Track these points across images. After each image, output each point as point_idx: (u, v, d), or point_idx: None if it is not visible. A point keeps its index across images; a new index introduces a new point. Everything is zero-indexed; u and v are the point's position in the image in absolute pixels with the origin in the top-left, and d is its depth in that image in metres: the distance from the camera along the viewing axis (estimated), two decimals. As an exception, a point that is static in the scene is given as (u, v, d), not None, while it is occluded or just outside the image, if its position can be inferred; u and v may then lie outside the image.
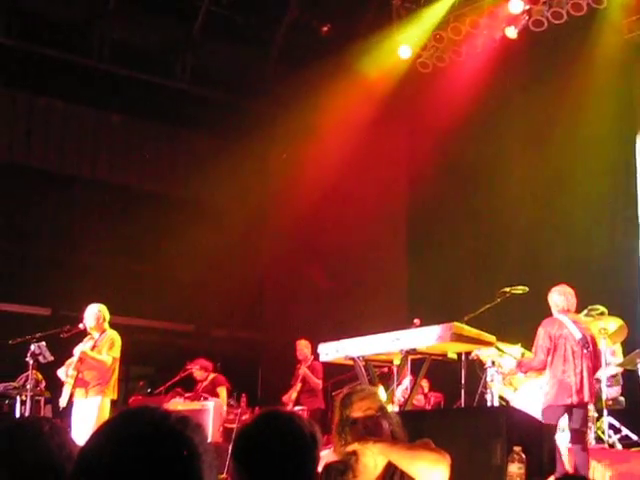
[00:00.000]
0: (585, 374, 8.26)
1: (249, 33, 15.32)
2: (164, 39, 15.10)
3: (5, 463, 2.43)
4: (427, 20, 13.29)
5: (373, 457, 4.45)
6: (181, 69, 15.29)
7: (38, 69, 14.16)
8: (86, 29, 14.42)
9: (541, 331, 8.34)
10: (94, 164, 15.07)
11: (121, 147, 15.33)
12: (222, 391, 12.65)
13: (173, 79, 15.27)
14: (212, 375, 12.86)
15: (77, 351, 9.69)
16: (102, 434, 1.68)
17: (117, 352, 9.75)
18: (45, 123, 14.68)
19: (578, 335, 8.31)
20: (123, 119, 15.31)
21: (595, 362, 8.52)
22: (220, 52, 15.45)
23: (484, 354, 9.32)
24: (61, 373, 9.74)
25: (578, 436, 8.26)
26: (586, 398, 8.30)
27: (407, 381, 10.90)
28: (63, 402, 9.64)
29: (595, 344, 8.55)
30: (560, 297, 8.56)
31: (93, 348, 9.66)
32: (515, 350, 9.33)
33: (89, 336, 9.83)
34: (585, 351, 8.30)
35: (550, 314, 8.61)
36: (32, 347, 9.70)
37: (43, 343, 9.83)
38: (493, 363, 9.73)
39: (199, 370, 12.86)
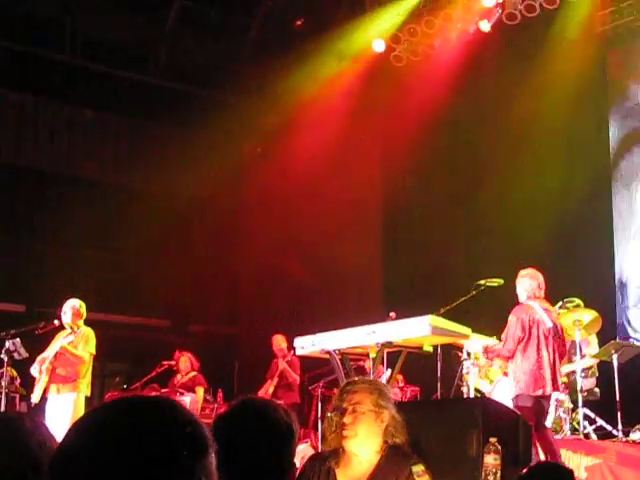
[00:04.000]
0: (557, 364, 8.31)
1: (222, 27, 15.27)
2: (137, 34, 15.01)
3: None
4: (401, 14, 13.30)
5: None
6: (154, 63, 15.23)
7: (10, 65, 14.04)
8: (59, 24, 14.31)
9: (513, 318, 8.31)
10: (67, 159, 14.98)
11: (94, 142, 15.24)
12: (200, 390, 12.65)
13: (146, 74, 15.21)
14: (193, 373, 12.86)
15: (55, 345, 9.62)
16: (82, 428, 1.64)
17: (93, 348, 9.71)
18: (17, 118, 14.57)
19: (549, 323, 8.32)
20: (96, 114, 15.22)
21: (562, 350, 8.55)
22: (193, 46, 15.39)
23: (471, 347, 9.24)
24: (34, 370, 9.67)
25: (544, 423, 8.30)
26: (556, 388, 8.37)
27: (385, 377, 10.93)
28: (36, 398, 9.58)
29: (563, 333, 8.58)
30: (532, 282, 8.52)
31: (70, 344, 9.60)
32: (491, 342, 9.35)
33: (67, 331, 9.75)
34: (555, 340, 8.33)
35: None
36: (7, 344, 9.65)
37: (18, 340, 9.78)
38: (469, 355, 9.76)
39: (187, 362, 12.85)
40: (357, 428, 4.41)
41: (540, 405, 8.20)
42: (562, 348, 8.51)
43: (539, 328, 8.25)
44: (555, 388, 8.32)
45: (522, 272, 8.62)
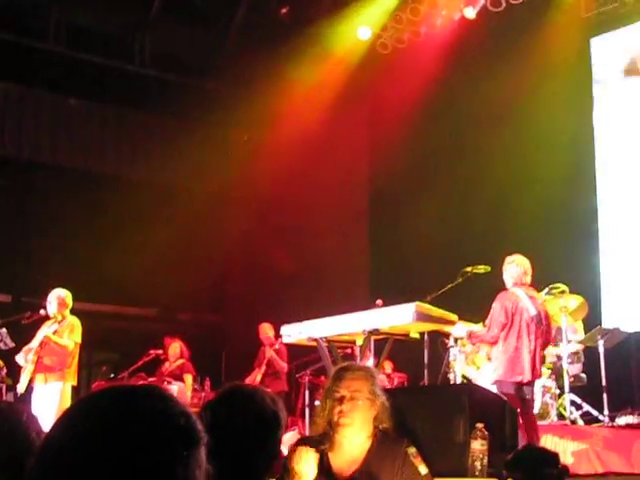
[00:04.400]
0: (537, 352, 8.33)
1: (207, 14, 15.20)
2: (121, 22, 14.93)
3: None
4: (386, 1, 13.28)
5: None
6: (139, 52, 15.15)
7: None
8: (42, 12, 14.22)
9: (497, 305, 8.32)
10: (52, 148, 14.89)
11: (79, 131, 15.15)
12: (188, 378, 12.63)
13: (131, 62, 15.13)
14: (181, 360, 12.84)
15: (40, 335, 9.61)
16: (69, 417, 1.62)
17: (78, 337, 9.68)
18: (0, 107, 14.49)
19: (533, 311, 8.32)
20: (81, 103, 15.15)
21: (547, 337, 8.57)
22: (178, 34, 15.32)
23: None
24: (20, 358, 9.65)
25: (528, 406, 8.32)
26: (536, 376, 8.39)
27: (369, 364, 10.94)
28: (22, 388, 9.56)
29: (549, 321, 8.58)
30: (518, 268, 8.51)
31: (55, 333, 9.58)
32: (476, 328, 9.36)
33: (52, 320, 9.73)
34: (538, 328, 8.35)
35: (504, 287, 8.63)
36: (-7, 334, 9.62)
37: (4, 330, 9.75)
38: (456, 342, 9.79)
39: (177, 349, 12.84)
40: (354, 416, 4.44)
41: (519, 392, 8.23)
42: (547, 335, 8.51)
43: (522, 315, 8.26)
44: (535, 376, 8.34)
45: (508, 258, 8.61)
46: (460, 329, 8.50)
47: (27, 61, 14.21)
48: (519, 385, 8.21)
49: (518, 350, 8.21)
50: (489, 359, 9.53)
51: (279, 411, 3.04)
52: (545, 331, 8.44)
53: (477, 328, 8.64)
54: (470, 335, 8.66)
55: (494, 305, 8.35)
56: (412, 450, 4.43)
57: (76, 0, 14.30)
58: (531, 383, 8.35)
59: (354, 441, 4.51)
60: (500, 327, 8.24)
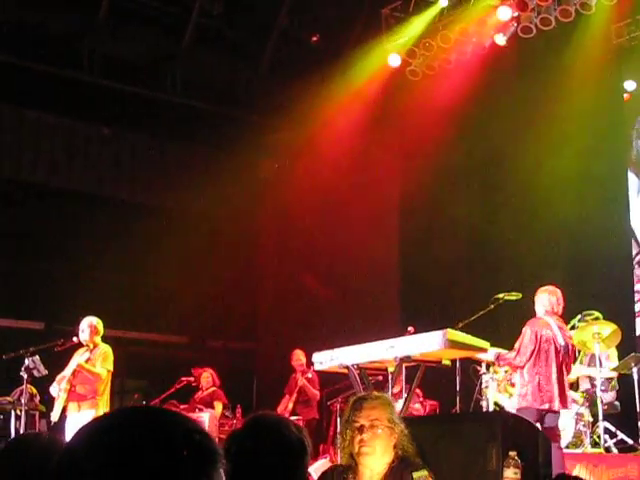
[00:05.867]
0: (565, 381, 8.32)
1: (238, 44, 15.33)
2: (154, 51, 15.08)
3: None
4: (416, 28, 13.32)
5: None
6: (171, 81, 15.28)
7: (27, 82, 14.12)
8: (76, 42, 14.39)
9: (528, 331, 8.34)
10: (84, 177, 15.04)
11: (111, 160, 15.30)
12: (218, 405, 12.65)
13: (163, 91, 15.26)
14: (213, 388, 12.88)
15: (73, 363, 9.65)
16: (88, 431, 1.64)
17: (111, 365, 9.72)
18: (35, 137, 14.64)
19: (561, 342, 8.36)
20: (113, 132, 15.29)
21: (570, 369, 8.58)
22: (210, 63, 15.45)
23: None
24: (53, 389, 9.69)
25: (553, 436, 8.25)
26: (565, 405, 8.35)
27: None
28: (55, 416, 9.60)
29: (574, 353, 8.62)
30: (551, 298, 8.57)
31: (87, 361, 9.62)
32: (503, 351, 9.32)
33: (85, 348, 9.79)
34: (565, 359, 8.35)
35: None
36: (26, 361, 9.66)
37: (37, 357, 9.80)
38: (488, 369, 9.73)
39: (209, 378, 12.88)
40: (375, 444, 4.44)
41: (542, 419, 8.18)
42: (570, 367, 8.56)
43: (551, 344, 8.27)
44: (564, 405, 8.32)
45: (541, 289, 8.67)
46: (488, 352, 8.49)
47: (60, 90, 14.36)
48: (546, 413, 8.17)
49: (547, 378, 8.20)
50: (512, 385, 9.47)
51: (304, 439, 3.04)
52: (569, 363, 8.46)
53: (505, 351, 8.62)
54: (498, 357, 8.66)
55: (525, 330, 8.35)
56: (421, 474, 4.43)
57: (109, 30, 14.46)
58: (555, 412, 8.32)
59: (376, 469, 4.52)
60: (529, 353, 8.25)
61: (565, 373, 8.37)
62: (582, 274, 11.57)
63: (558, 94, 12.39)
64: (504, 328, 9.62)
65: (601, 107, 12.31)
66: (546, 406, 8.14)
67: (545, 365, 8.23)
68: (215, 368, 13.19)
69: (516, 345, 8.40)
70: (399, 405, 7.43)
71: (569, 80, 12.27)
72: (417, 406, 11.34)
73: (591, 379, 9.98)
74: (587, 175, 12.25)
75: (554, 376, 8.20)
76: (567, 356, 8.38)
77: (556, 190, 12.54)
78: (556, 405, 8.17)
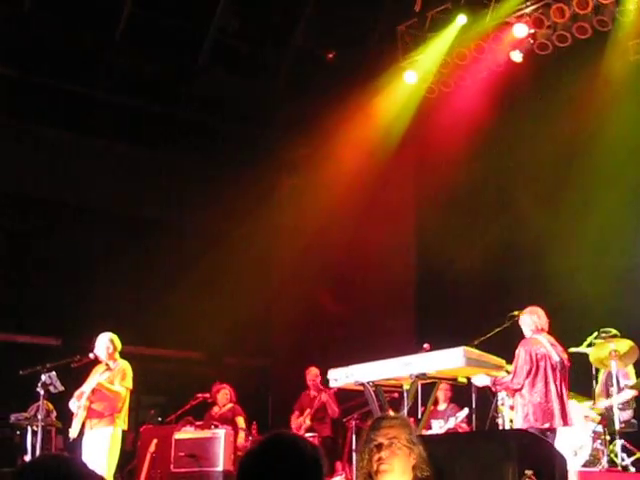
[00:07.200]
0: (564, 397, 8.31)
1: (255, 61, 15.39)
2: (170, 69, 15.15)
3: None
4: (432, 45, 13.34)
5: None
6: (187, 98, 15.34)
7: (44, 100, 14.20)
8: (92, 59, 14.47)
9: (522, 352, 8.36)
10: (102, 194, 15.08)
11: (129, 177, 15.35)
12: (240, 420, 12.66)
13: (180, 108, 15.32)
14: (231, 404, 12.87)
15: (93, 381, 9.65)
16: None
17: (130, 382, 9.73)
18: (52, 154, 14.71)
19: (556, 358, 8.37)
20: (130, 149, 15.35)
21: (567, 385, 8.57)
22: (226, 81, 15.50)
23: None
24: (72, 405, 9.70)
25: None
26: (567, 422, 8.32)
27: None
28: (74, 433, 9.59)
29: (568, 367, 8.60)
30: (532, 317, 8.67)
31: (106, 380, 9.62)
32: (499, 375, 9.26)
33: (104, 366, 9.79)
34: (561, 374, 8.35)
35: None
36: (43, 377, 9.66)
37: (54, 373, 9.80)
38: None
39: (226, 395, 12.87)
40: (394, 462, 4.42)
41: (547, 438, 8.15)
42: (567, 382, 8.56)
43: (547, 362, 8.28)
44: (565, 422, 8.29)
45: (521, 313, 8.76)
46: (483, 378, 8.51)
47: (77, 108, 14.44)
48: (547, 431, 8.15)
49: (547, 396, 8.20)
50: (511, 409, 9.39)
51: (320, 458, 3.04)
52: (566, 378, 8.47)
53: (501, 375, 8.57)
54: (495, 382, 8.63)
55: (518, 352, 8.38)
56: None
57: (125, 47, 14.53)
58: (556, 430, 8.30)
59: None
60: (525, 373, 8.27)
61: (564, 389, 8.35)
62: (599, 290, 11.50)
63: (575, 111, 12.37)
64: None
65: (619, 123, 12.26)
66: (547, 425, 8.14)
67: (544, 383, 8.24)
68: (231, 385, 13.19)
69: (511, 368, 8.42)
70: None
71: (585, 97, 12.24)
72: (464, 425, 11.25)
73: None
74: (607, 195, 12.19)
75: (553, 393, 8.21)
76: (563, 372, 8.40)
77: (574, 211, 12.49)
78: (556, 423, 8.16)
